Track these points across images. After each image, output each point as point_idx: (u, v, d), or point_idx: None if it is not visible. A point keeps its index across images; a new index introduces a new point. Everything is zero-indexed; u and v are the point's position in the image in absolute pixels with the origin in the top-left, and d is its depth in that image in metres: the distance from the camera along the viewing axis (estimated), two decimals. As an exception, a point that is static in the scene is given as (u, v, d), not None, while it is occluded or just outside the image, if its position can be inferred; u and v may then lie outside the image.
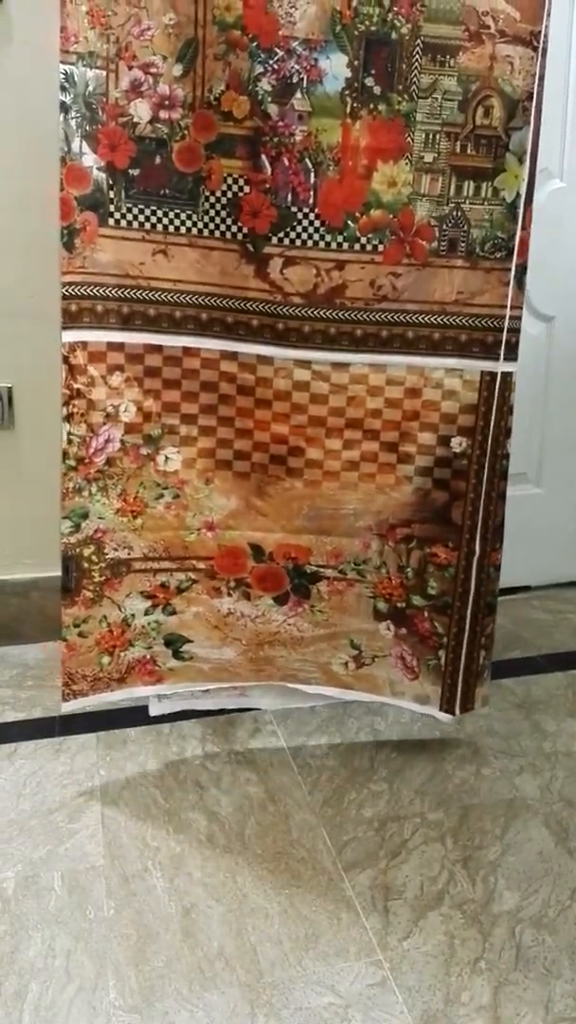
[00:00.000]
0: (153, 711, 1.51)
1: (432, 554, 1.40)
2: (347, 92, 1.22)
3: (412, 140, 1.24)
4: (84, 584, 1.38)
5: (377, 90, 1.22)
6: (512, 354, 1.33)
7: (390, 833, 1.30)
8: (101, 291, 1.29)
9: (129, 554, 1.40)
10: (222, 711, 1.56)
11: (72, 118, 1.23)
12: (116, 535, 1.38)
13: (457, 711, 1.46)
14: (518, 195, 1.26)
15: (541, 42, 1.20)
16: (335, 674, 1.49)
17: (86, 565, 1.38)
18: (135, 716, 1.53)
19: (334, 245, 1.28)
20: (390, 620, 1.45)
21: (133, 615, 1.42)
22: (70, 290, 1.29)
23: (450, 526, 1.39)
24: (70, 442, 1.34)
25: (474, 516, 1.38)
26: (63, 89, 1.23)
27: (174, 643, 1.45)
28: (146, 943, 1.10)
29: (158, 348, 1.33)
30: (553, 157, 1.73)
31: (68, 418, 1.33)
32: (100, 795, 1.36)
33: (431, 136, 1.24)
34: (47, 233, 1.34)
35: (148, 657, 1.45)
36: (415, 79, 1.21)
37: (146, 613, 1.43)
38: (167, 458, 1.38)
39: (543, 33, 1.20)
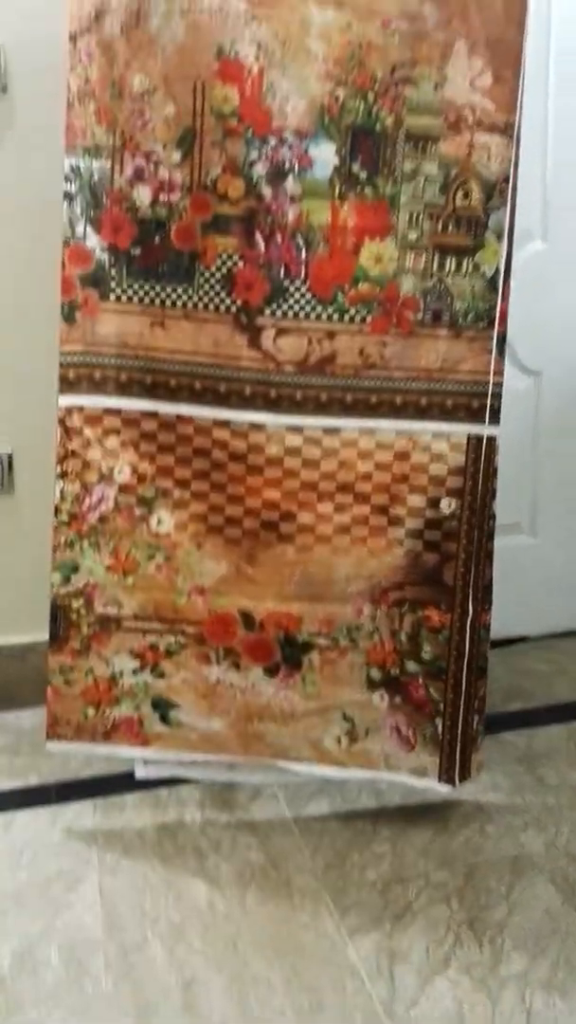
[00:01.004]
0: (139, 774, 1.58)
1: (425, 617, 1.49)
2: (335, 177, 1.39)
3: (397, 220, 1.40)
4: (71, 634, 1.49)
5: (363, 175, 1.39)
6: (496, 418, 1.46)
7: (394, 895, 1.35)
8: (100, 360, 1.43)
9: (119, 611, 1.49)
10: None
11: (77, 205, 1.39)
12: (106, 591, 1.49)
13: (457, 781, 1.52)
14: (497, 270, 1.42)
15: (515, 131, 1.38)
16: (327, 751, 1.55)
17: (74, 617, 1.49)
18: (132, 781, 1.59)
19: (324, 316, 1.42)
20: (384, 689, 1.52)
21: (121, 672, 1.51)
22: (68, 359, 1.43)
23: (442, 588, 1.49)
24: (63, 498, 1.46)
25: (466, 577, 1.48)
26: (68, 180, 1.39)
27: (161, 707, 1.53)
28: (146, 1018, 1.13)
29: (154, 414, 1.45)
30: (534, 219, 1.92)
31: (62, 476, 1.46)
32: (98, 864, 1.40)
33: (414, 216, 1.41)
34: (48, 304, 1.49)
35: (135, 718, 1.53)
36: (399, 165, 1.39)
37: (134, 673, 1.51)
38: (160, 520, 1.48)
39: (517, 123, 1.38)
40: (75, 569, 1.48)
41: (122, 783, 1.60)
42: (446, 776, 1.53)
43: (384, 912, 1.31)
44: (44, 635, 1.62)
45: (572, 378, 2.06)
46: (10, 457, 1.79)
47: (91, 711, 1.51)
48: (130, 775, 1.59)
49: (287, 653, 1.51)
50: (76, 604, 1.48)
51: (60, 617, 1.49)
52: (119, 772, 1.62)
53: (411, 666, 1.51)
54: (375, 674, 1.52)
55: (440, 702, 1.51)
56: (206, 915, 1.29)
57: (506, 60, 1.36)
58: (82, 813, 1.52)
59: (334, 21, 1.35)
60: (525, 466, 2.06)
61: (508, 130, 1.38)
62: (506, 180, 1.39)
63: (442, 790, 1.53)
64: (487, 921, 1.29)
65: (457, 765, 1.52)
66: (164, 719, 1.53)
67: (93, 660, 1.50)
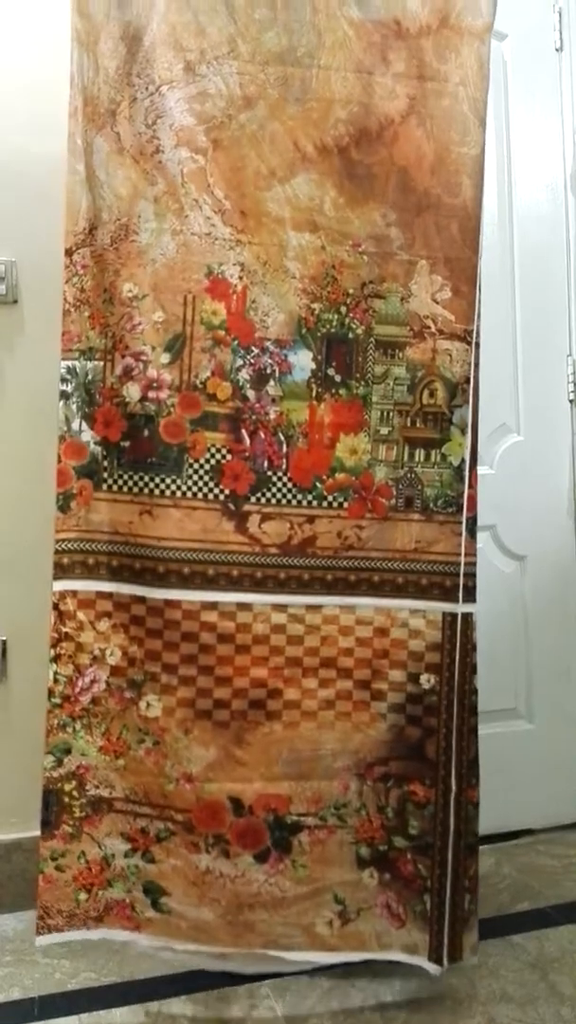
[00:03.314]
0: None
1: (410, 792, 1.61)
2: (312, 380, 1.61)
3: (369, 417, 1.62)
4: (64, 819, 1.56)
5: (338, 378, 1.62)
6: (470, 596, 1.64)
7: None
8: (93, 546, 1.57)
9: (111, 793, 1.58)
10: (214, 985, 1.64)
11: (73, 403, 1.57)
12: (99, 772, 1.57)
13: (445, 962, 1.60)
14: (463, 460, 1.64)
15: (474, 338, 1.63)
16: (319, 936, 1.61)
17: (66, 800, 1.56)
18: (119, 994, 1.59)
19: (305, 503, 1.61)
20: (373, 867, 1.62)
21: (113, 855, 1.58)
22: (63, 545, 1.56)
23: (425, 762, 1.62)
24: (56, 681, 1.56)
25: (448, 751, 1.62)
26: (64, 381, 1.57)
27: (152, 892, 1.59)
28: None
29: (142, 599, 1.57)
30: (510, 415, 2.22)
31: (55, 659, 1.56)
32: None
33: (385, 414, 1.63)
34: (42, 498, 1.66)
35: (127, 901, 1.58)
36: (370, 369, 1.62)
37: (126, 856, 1.58)
38: (149, 704, 1.58)
39: (475, 331, 1.63)
40: (67, 751, 1.56)
41: (108, 996, 1.59)
42: (435, 956, 1.60)
43: None
44: (33, 832, 1.66)
45: (555, 561, 2.29)
46: (4, 644, 1.91)
47: (83, 896, 1.56)
48: (117, 986, 1.60)
49: (277, 836, 1.60)
50: (68, 787, 1.56)
51: (52, 802, 1.56)
52: (106, 983, 1.62)
53: (399, 841, 1.61)
54: (364, 851, 1.62)
55: (428, 878, 1.61)
56: None
57: (463, 276, 1.63)
58: (66, 1031, 1.51)
59: (309, 244, 1.60)
60: (517, 649, 2.21)
61: (467, 337, 1.64)
62: (467, 381, 1.64)
63: (431, 970, 1.60)
64: None
65: (446, 944, 1.60)
66: (155, 905, 1.58)
67: (85, 843, 1.56)
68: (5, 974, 1.65)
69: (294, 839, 1.60)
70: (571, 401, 2.30)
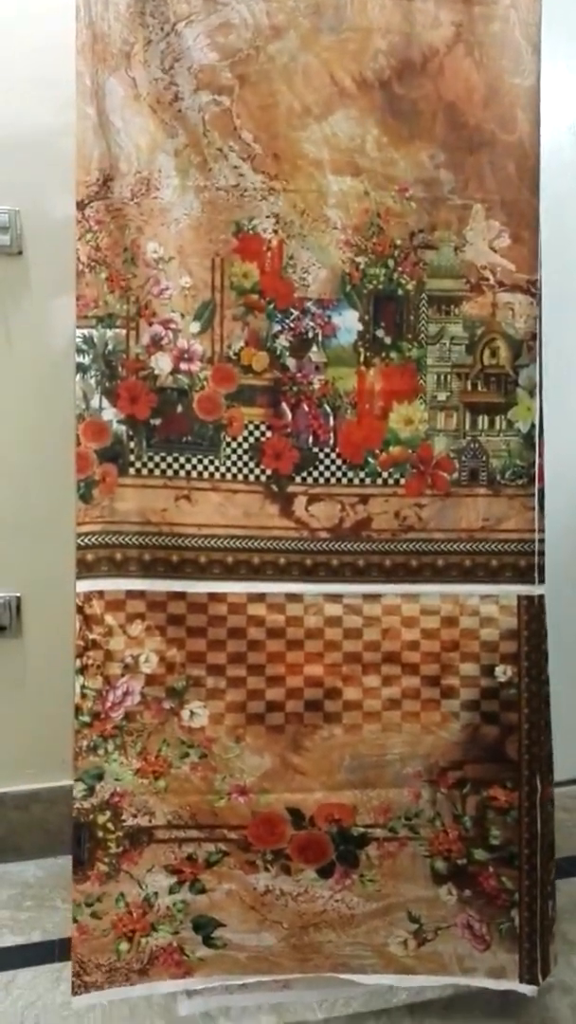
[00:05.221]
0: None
1: (490, 797, 1.46)
2: (360, 343, 1.45)
3: (424, 382, 1.46)
4: (98, 856, 1.41)
5: (388, 340, 1.45)
6: (542, 576, 1.48)
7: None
8: (121, 539, 1.41)
9: (151, 821, 1.42)
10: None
11: (91, 376, 1.41)
12: (136, 799, 1.42)
13: (540, 979, 1.45)
14: (533, 426, 1.47)
15: (538, 289, 1.46)
16: (393, 956, 1.47)
17: (100, 834, 1.41)
18: None
19: (356, 481, 1.45)
20: (451, 882, 1.47)
21: (156, 893, 1.43)
22: (86, 540, 1.41)
23: (506, 763, 1.46)
24: (84, 696, 1.40)
25: (532, 749, 1.46)
26: (80, 352, 1.41)
27: (204, 927, 1.44)
28: None
29: (181, 595, 1.43)
30: None
31: (82, 671, 1.40)
32: (103, 1028, 1.36)
33: (442, 377, 1.47)
34: (56, 455, 1.60)
35: (175, 945, 1.43)
36: (423, 328, 1.46)
37: (171, 891, 1.43)
38: (192, 713, 1.43)
39: (539, 281, 1.47)
40: (99, 777, 1.41)
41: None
42: (528, 975, 1.45)
43: None
44: (49, 783, 1.74)
45: (573, 517, 2.19)
46: (19, 600, 1.90)
47: (124, 946, 1.41)
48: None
49: (342, 850, 1.45)
50: (102, 819, 1.40)
51: (84, 837, 1.40)
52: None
53: (479, 854, 1.46)
54: (440, 866, 1.46)
55: (515, 892, 1.45)
56: None
57: (523, 221, 1.46)
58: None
59: (351, 189, 1.44)
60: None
61: (531, 288, 1.46)
62: (533, 337, 1.47)
63: (526, 992, 1.45)
64: None
65: (539, 960, 1.45)
66: (208, 941, 1.44)
67: (124, 883, 1.41)
68: (27, 918, 1.71)
69: (361, 852, 1.46)
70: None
